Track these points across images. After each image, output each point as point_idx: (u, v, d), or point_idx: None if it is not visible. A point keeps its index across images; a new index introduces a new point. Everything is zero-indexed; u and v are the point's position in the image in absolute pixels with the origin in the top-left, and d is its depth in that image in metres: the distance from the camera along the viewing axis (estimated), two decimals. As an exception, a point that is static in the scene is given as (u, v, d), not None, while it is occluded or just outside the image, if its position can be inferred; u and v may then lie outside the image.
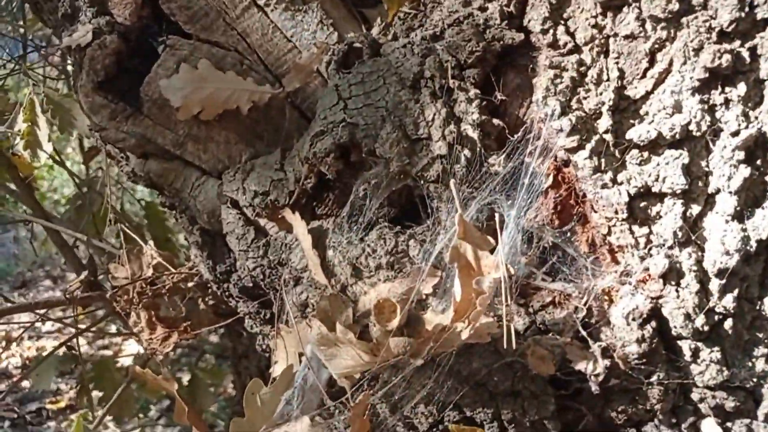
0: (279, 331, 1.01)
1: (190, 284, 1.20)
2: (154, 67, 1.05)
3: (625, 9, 0.81)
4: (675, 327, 0.81)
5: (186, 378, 2.08)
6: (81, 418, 0.90)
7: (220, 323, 1.17)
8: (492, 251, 0.80)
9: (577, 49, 0.83)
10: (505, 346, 0.77)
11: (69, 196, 1.94)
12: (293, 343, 0.99)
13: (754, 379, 0.82)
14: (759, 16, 0.76)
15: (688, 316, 0.81)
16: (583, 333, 0.82)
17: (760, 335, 0.82)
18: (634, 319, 0.81)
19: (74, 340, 1.30)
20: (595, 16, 0.81)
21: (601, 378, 0.81)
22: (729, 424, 0.85)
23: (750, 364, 0.82)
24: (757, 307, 0.82)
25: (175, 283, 1.17)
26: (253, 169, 1.04)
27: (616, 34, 0.81)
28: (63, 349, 1.79)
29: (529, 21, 0.85)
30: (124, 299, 1.13)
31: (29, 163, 1.71)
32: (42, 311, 1.51)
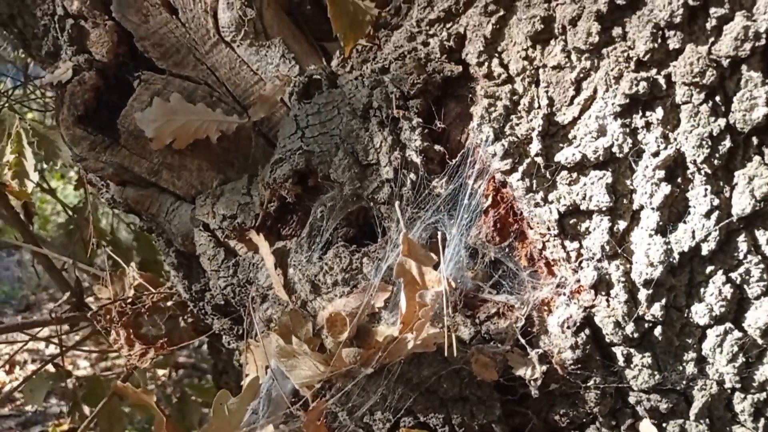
0: (248, 346, 1.07)
1: (169, 303, 1.26)
2: (130, 101, 1.13)
3: (552, 42, 0.88)
4: (607, 334, 0.87)
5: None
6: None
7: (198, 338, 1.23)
8: (435, 267, 0.87)
9: (510, 80, 0.90)
10: (446, 354, 0.83)
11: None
12: (261, 357, 1.05)
13: (684, 382, 0.88)
14: (671, 47, 0.83)
15: (618, 324, 0.87)
16: (522, 341, 0.88)
17: (689, 341, 0.88)
18: (568, 327, 0.87)
19: (61, 358, 1.36)
20: (526, 49, 0.89)
21: (539, 382, 0.87)
22: (665, 425, 0.90)
23: (681, 367, 0.88)
24: (686, 315, 0.87)
25: (154, 302, 1.24)
26: (223, 194, 1.11)
27: (545, 65, 0.88)
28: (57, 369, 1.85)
29: (467, 54, 0.92)
30: (106, 318, 1.20)
31: (24, 190, 1.79)
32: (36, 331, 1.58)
